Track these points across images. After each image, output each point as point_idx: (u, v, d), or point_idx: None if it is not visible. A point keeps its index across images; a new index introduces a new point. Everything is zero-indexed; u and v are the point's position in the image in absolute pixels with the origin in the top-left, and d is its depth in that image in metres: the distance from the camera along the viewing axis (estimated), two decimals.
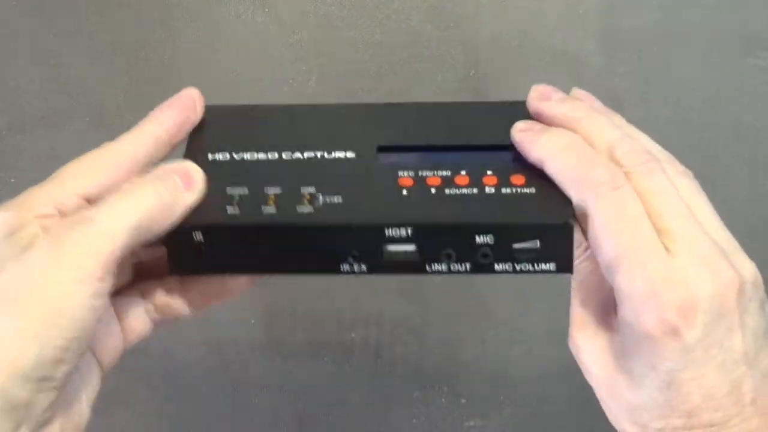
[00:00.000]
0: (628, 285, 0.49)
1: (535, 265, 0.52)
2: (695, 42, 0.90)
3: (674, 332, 0.48)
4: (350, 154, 0.56)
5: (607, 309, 0.53)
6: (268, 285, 0.94)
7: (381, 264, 0.52)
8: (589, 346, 0.54)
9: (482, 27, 0.89)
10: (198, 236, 0.51)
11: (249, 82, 0.90)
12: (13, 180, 0.91)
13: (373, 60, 0.90)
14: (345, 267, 0.52)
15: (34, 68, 0.90)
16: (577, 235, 0.52)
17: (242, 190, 0.53)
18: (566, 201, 0.51)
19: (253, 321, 0.95)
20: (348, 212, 0.52)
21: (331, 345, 0.95)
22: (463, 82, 0.90)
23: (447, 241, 0.51)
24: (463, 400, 0.97)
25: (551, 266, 0.52)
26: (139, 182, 0.51)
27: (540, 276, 0.54)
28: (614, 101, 0.91)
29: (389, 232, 0.51)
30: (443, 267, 0.52)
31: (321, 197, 0.52)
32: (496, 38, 0.90)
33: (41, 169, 0.93)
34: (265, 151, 0.56)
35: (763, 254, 0.92)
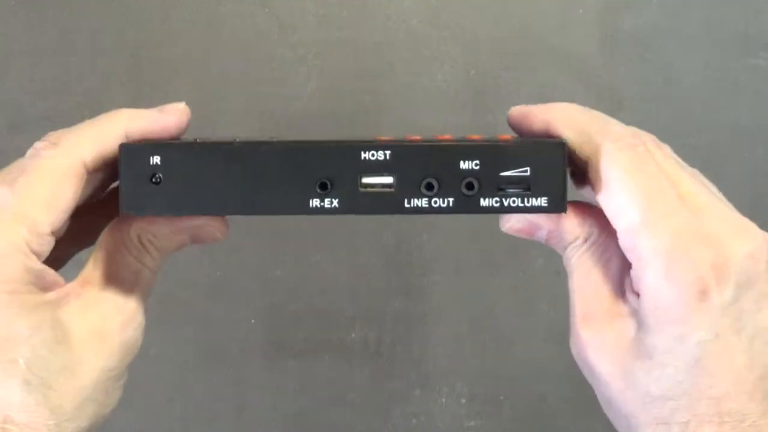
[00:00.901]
0: (656, 244, 0.45)
1: (525, 200, 0.46)
2: (695, 42, 0.89)
3: (704, 293, 0.44)
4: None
5: (614, 296, 0.49)
6: (268, 285, 0.94)
7: (356, 200, 0.46)
8: (597, 340, 0.50)
9: (482, 27, 0.89)
10: (154, 160, 0.46)
11: (249, 82, 0.90)
12: None
13: (373, 60, 0.90)
14: (315, 203, 0.46)
15: (34, 68, 0.90)
16: (573, 228, 0.49)
17: (205, 138, 0.49)
18: (557, 141, 0.47)
19: (253, 321, 0.95)
20: (320, 138, 0.48)
21: (331, 345, 0.95)
22: (463, 82, 0.90)
23: (428, 166, 0.46)
24: (463, 400, 0.97)
25: (542, 201, 0.47)
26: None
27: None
28: (614, 101, 0.91)
29: (365, 155, 0.46)
30: (423, 202, 0.46)
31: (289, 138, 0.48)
32: (496, 38, 0.89)
33: None
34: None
35: None
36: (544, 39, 0.89)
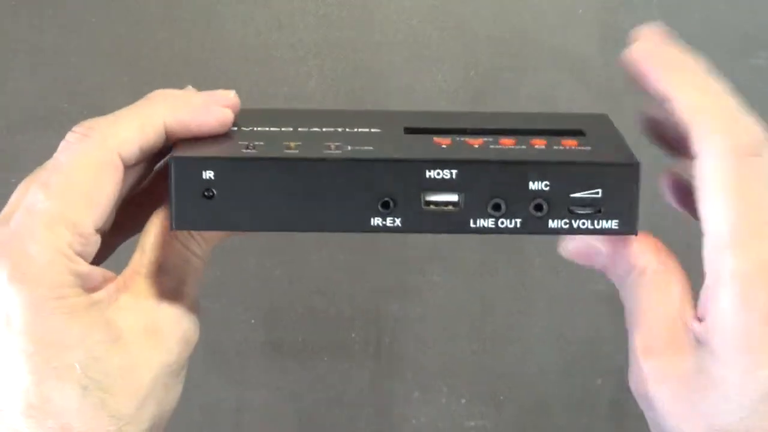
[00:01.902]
0: (740, 265, 0.41)
1: (595, 222, 0.44)
2: (695, 42, 0.89)
3: None
4: (376, 130, 0.48)
5: (676, 325, 0.45)
6: (268, 285, 0.94)
7: (419, 218, 0.44)
8: (659, 372, 0.45)
9: (482, 27, 0.89)
10: (208, 175, 0.44)
11: (249, 82, 0.90)
12: (13, 180, 0.91)
13: (373, 60, 0.90)
14: (377, 221, 0.44)
15: (34, 68, 0.90)
16: (635, 256, 0.45)
17: (259, 142, 0.46)
18: (629, 154, 0.45)
19: (253, 321, 0.95)
20: (382, 154, 0.45)
21: (331, 345, 0.95)
22: (463, 82, 0.90)
23: (496, 186, 0.43)
24: (463, 400, 0.97)
25: (613, 224, 0.44)
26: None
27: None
28: (614, 101, 0.91)
29: (430, 173, 0.43)
30: (489, 223, 0.44)
31: (349, 147, 0.45)
32: (496, 38, 0.90)
33: None
34: (288, 125, 0.49)
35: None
36: (544, 39, 0.89)
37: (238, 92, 0.91)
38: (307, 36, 0.89)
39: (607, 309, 0.93)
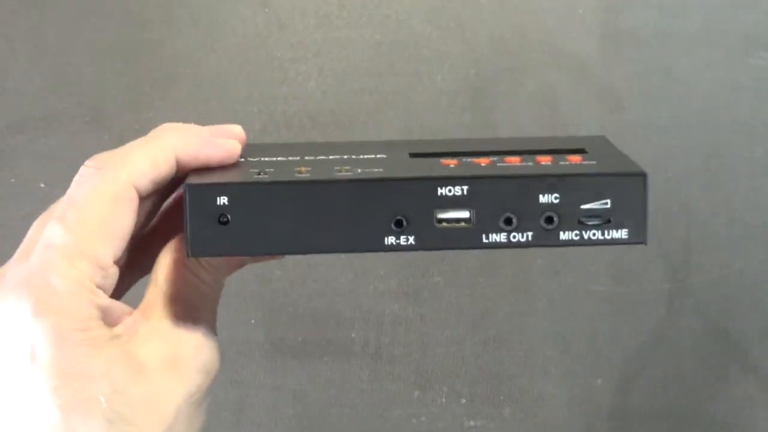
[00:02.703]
0: None
1: (606, 232, 0.45)
2: (695, 42, 0.89)
3: None
4: (381, 156, 0.49)
5: None
6: (268, 285, 0.94)
7: (432, 236, 0.45)
8: None
9: (482, 27, 0.89)
10: (222, 200, 0.45)
11: (249, 83, 0.90)
12: (13, 180, 0.91)
13: (373, 60, 0.90)
14: (390, 240, 0.45)
15: (34, 68, 0.90)
16: None
17: (270, 169, 0.47)
18: (634, 165, 0.46)
19: (253, 321, 0.95)
20: (393, 173, 0.46)
21: (331, 345, 0.95)
22: (463, 82, 0.90)
23: (507, 200, 0.44)
24: (463, 400, 0.96)
25: (623, 234, 0.45)
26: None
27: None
28: (614, 101, 0.91)
29: (441, 190, 0.44)
30: (501, 238, 0.45)
31: (359, 170, 0.46)
32: (496, 38, 0.89)
33: (41, 169, 0.94)
34: (294, 155, 0.50)
35: (764, 254, 0.92)
36: (544, 39, 0.89)
37: (239, 92, 0.92)
38: (307, 36, 0.89)
39: (607, 309, 0.93)
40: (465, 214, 0.45)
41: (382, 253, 0.96)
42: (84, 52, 0.90)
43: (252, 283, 0.94)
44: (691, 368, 0.94)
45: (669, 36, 0.89)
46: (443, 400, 0.97)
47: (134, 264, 0.49)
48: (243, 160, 0.49)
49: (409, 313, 0.95)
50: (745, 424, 0.94)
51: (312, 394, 0.97)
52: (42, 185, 0.90)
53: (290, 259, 0.94)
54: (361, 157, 0.49)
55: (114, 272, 0.45)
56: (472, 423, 0.97)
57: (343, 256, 0.94)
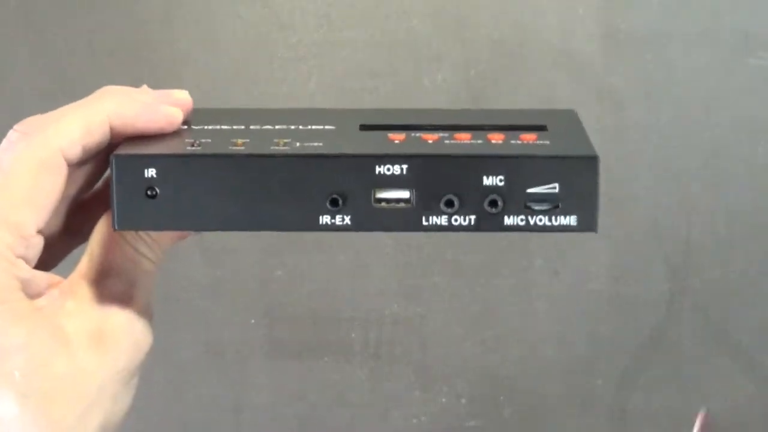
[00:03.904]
0: None
1: (553, 218, 0.42)
2: (695, 42, 0.90)
3: None
4: (330, 127, 0.47)
5: None
6: (268, 285, 0.94)
7: (369, 216, 0.42)
8: None
9: (482, 27, 0.89)
10: (150, 173, 0.42)
11: (249, 82, 0.90)
12: None
13: (373, 60, 0.90)
14: (325, 219, 0.42)
15: (34, 68, 0.90)
16: None
17: (206, 140, 0.45)
18: (588, 148, 0.43)
19: (253, 321, 0.95)
20: (331, 149, 0.43)
21: (331, 345, 0.95)
22: (463, 82, 0.90)
23: (449, 181, 0.42)
24: (463, 400, 0.97)
25: (571, 220, 0.42)
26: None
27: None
28: (614, 101, 0.91)
29: (380, 168, 0.42)
30: (442, 220, 0.42)
31: (298, 143, 0.44)
32: (496, 38, 0.90)
33: None
34: (239, 124, 0.47)
35: (763, 254, 0.92)
36: (544, 39, 0.89)
37: (238, 92, 0.92)
38: (307, 36, 0.89)
39: (607, 309, 0.93)
40: (405, 194, 0.42)
41: (381, 251, 0.97)
42: (84, 52, 0.90)
43: (252, 283, 0.94)
44: (691, 368, 0.94)
45: (669, 36, 0.89)
46: (443, 400, 0.97)
47: (74, 229, 0.47)
48: (186, 127, 0.46)
49: (409, 313, 0.95)
50: (745, 424, 0.94)
51: (312, 394, 0.97)
52: None
53: (290, 259, 0.94)
54: (309, 127, 0.46)
55: (38, 242, 0.43)
56: (472, 423, 0.97)
57: (342, 255, 0.94)
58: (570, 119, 0.49)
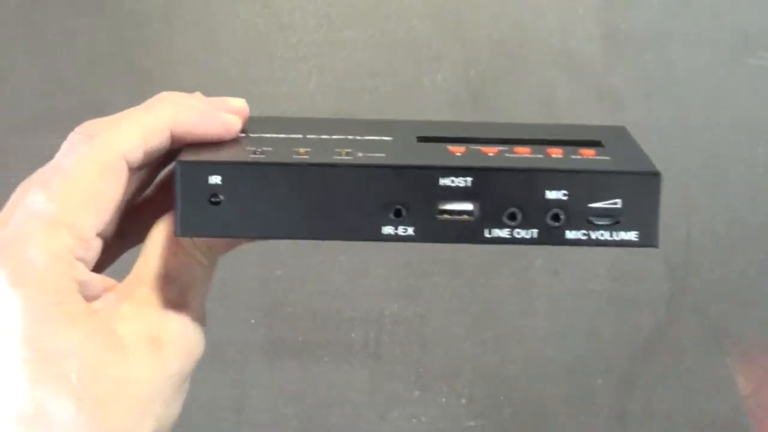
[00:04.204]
0: None
1: (614, 233, 0.43)
2: (695, 42, 0.90)
3: None
4: (387, 138, 0.47)
5: None
6: (268, 285, 0.94)
7: (432, 227, 0.43)
8: None
9: (482, 27, 0.89)
10: (214, 180, 0.43)
11: (249, 82, 0.90)
12: (13, 180, 0.91)
13: (373, 60, 0.90)
14: (388, 230, 0.43)
15: (34, 68, 0.90)
16: None
17: (267, 148, 0.45)
18: (649, 164, 0.44)
19: (253, 321, 0.95)
20: (395, 160, 0.43)
21: (331, 345, 0.95)
22: (463, 82, 0.90)
23: (512, 194, 0.42)
24: (463, 400, 0.96)
25: (633, 236, 0.43)
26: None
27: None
28: (614, 101, 0.91)
29: (444, 180, 0.42)
30: (504, 233, 0.43)
31: (360, 154, 0.44)
32: (496, 38, 0.89)
33: None
34: (297, 132, 0.48)
35: (763, 254, 0.92)
36: (544, 39, 0.89)
37: (239, 92, 0.91)
38: (307, 36, 0.89)
39: (607, 309, 0.93)
40: (468, 206, 0.43)
41: (382, 251, 0.97)
42: (84, 52, 0.90)
43: (252, 283, 0.94)
44: (691, 368, 0.94)
45: (669, 36, 0.89)
46: (443, 400, 0.97)
47: (126, 233, 0.47)
48: (244, 135, 0.47)
49: (409, 313, 0.95)
50: (745, 424, 0.94)
51: (312, 394, 0.97)
52: None
53: (290, 259, 0.94)
54: (366, 138, 0.47)
55: (96, 245, 0.43)
56: (472, 423, 0.97)
57: (342, 255, 0.94)
58: (623, 135, 0.50)
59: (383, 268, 0.94)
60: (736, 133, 0.90)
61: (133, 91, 0.89)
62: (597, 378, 0.95)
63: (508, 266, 0.94)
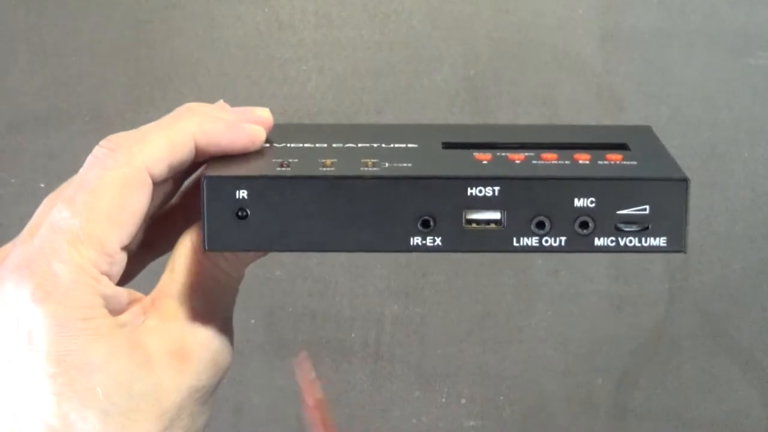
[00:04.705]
0: None
1: (642, 239, 0.42)
2: (695, 42, 0.90)
3: None
4: (413, 145, 0.47)
5: None
6: (268, 285, 0.94)
7: (460, 237, 0.42)
8: None
9: (482, 27, 0.89)
10: (241, 194, 0.43)
11: (249, 82, 0.90)
12: (13, 180, 0.91)
13: (373, 60, 0.90)
14: (416, 240, 0.42)
15: (34, 68, 0.90)
16: None
17: (293, 159, 0.44)
18: (677, 169, 0.44)
19: (253, 321, 0.95)
20: (422, 171, 0.43)
21: (331, 345, 0.95)
22: (463, 82, 0.90)
23: (540, 203, 0.42)
24: (463, 400, 0.97)
25: (661, 242, 0.42)
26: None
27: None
28: (614, 101, 0.91)
29: (471, 190, 0.42)
30: (533, 241, 0.43)
31: (386, 164, 0.44)
32: (496, 38, 0.90)
33: (41, 169, 0.94)
34: (321, 141, 0.47)
35: (763, 254, 0.92)
36: (544, 39, 0.89)
37: (239, 92, 0.92)
38: (307, 36, 0.89)
39: (607, 309, 0.93)
40: (496, 215, 0.42)
41: (383, 253, 0.97)
42: (84, 52, 0.90)
43: (252, 283, 0.94)
44: (691, 368, 0.94)
45: (669, 36, 0.89)
46: (443, 400, 0.97)
47: (151, 243, 0.47)
48: (268, 145, 0.47)
49: (409, 313, 0.95)
50: (745, 424, 0.94)
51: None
52: (42, 185, 0.90)
53: (290, 259, 0.94)
54: (392, 146, 0.46)
55: (121, 259, 0.43)
56: (472, 423, 0.97)
57: (342, 255, 0.94)
58: (649, 137, 0.49)
59: (383, 268, 0.94)
60: (736, 133, 0.90)
61: (133, 91, 0.89)
62: (597, 378, 0.95)
63: (509, 266, 0.94)
